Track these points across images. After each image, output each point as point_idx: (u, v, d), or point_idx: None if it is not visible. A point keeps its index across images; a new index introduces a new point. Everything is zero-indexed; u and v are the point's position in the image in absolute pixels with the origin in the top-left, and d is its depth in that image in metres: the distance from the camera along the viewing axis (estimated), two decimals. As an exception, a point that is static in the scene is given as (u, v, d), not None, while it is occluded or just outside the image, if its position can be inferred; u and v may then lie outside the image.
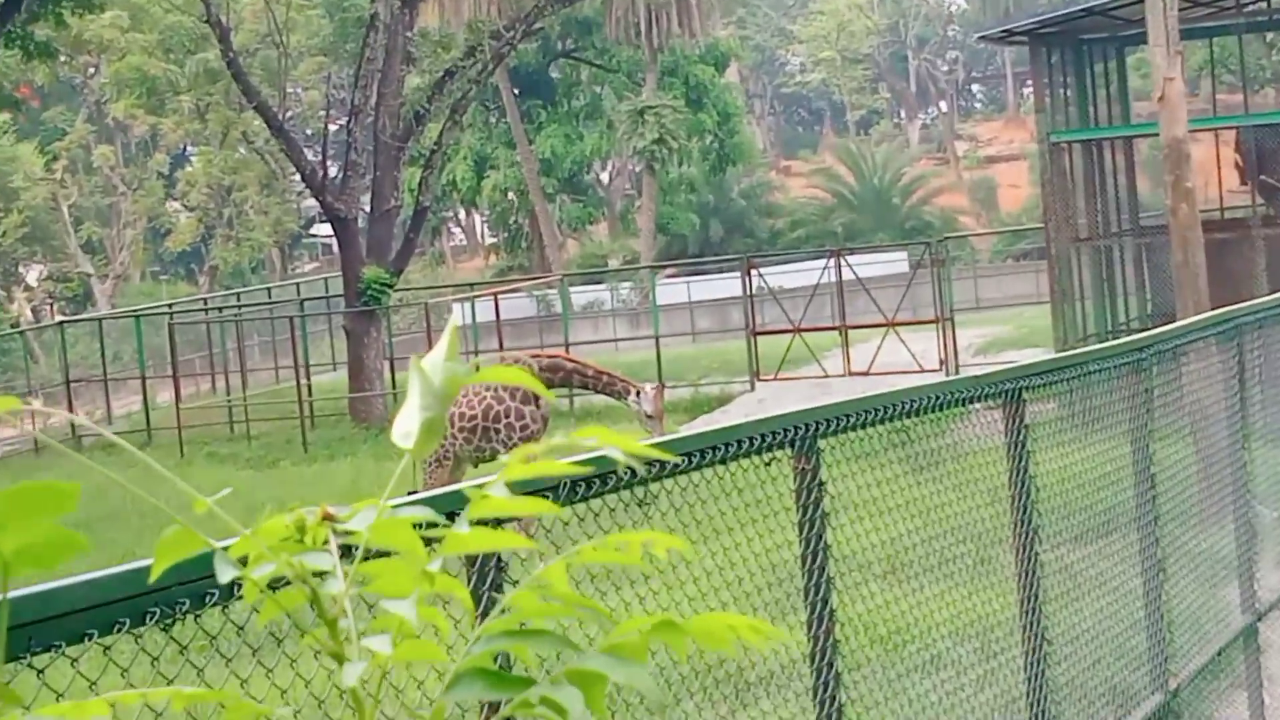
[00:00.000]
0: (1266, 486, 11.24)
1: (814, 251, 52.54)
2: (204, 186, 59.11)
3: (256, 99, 34.95)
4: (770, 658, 8.01)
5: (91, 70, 60.74)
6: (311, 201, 45.72)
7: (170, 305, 46.95)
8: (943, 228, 64.03)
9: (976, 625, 7.61)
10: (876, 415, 6.45)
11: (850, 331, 32.96)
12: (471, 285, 50.42)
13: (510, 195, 64.77)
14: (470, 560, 4.37)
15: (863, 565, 6.77)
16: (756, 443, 5.62)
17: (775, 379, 32.91)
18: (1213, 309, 13.45)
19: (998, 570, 7.70)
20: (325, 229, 63.61)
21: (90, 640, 3.10)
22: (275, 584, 1.62)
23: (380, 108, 34.17)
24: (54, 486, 1.46)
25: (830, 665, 6.06)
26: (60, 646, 3.03)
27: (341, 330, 37.39)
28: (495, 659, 1.64)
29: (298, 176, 41.88)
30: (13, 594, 1.44)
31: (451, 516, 1.67)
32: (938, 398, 6.97)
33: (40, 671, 3.01)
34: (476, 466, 18.47)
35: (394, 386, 33.86)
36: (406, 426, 1.65)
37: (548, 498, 3.36)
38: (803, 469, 6.01)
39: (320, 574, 1.61)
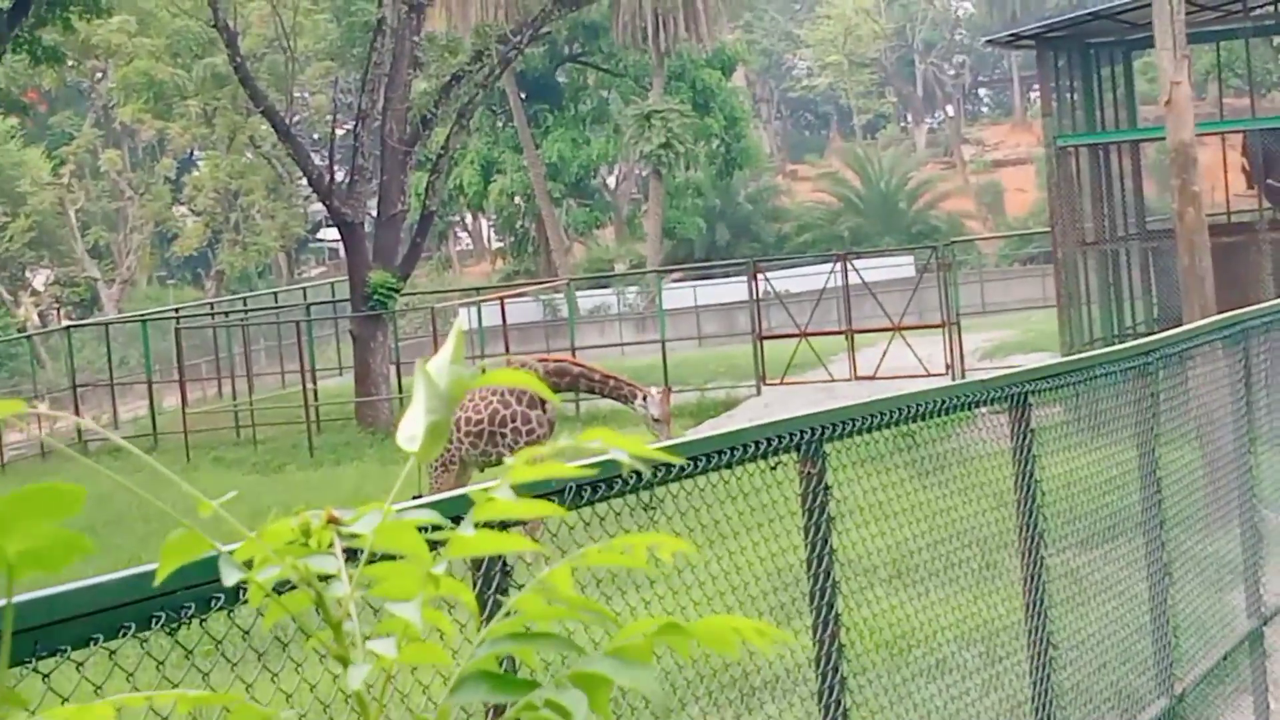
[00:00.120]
0: (1272, 491, 11.23)
1: (820, 256, 52.47)
2: (211, 191, 59.07)
3: (264, 104, 34.97)
4: (775, 662, 8.02)
5: (99, 75, 60.75)
6: (318, 206, 45.80)
7: (177, 310, 46.98)
8: (949, 232, 63.97)
9: (982, 630, 7.61)
10: (882, 419, 6.45)
11: (856, 336, 32.95)
12: (478, 289, 50.42)
13: (517, 200, 64.79)
14: (476, 564, 4.37)
15: (868, 569, 6.78)
16: (762, 447, 5.62)
17: (781, 383, 32.90)
18: (1219, 313, 13.44)
19: (1003, 575, 7.69)
20: (332, 234, 63.67)
21: (95, 644, 3.10)
22: (280, 587, 1.62)
23: (387, 112, 34.19)
24: (59, 489, 1.47)
25: (835, 670, 6.06)
26: (66, 650, 3.03)
27: (348, 335, 37.39)
28: (500, 662, 1.64)
29: (304, 181, 41.90)
30: (18, 598, 1.44)
31: (457, 520, 1.67)
32: (943, 402, 6.96)
33: (46, 676, 3.01)
34: (483, 471, 18.45)
35: (400, 391, 33.87)
36: (411, 430, 1.65)
37: (554, 501, 3.35)
38: (808, 473, 6.01)
39: (325, 577, 1.61)
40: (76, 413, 37.32)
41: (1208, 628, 9.77)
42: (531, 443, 17.95)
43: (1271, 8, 30.24)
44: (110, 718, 1.56)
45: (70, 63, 49.07)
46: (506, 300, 39.14)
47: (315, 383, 36.07)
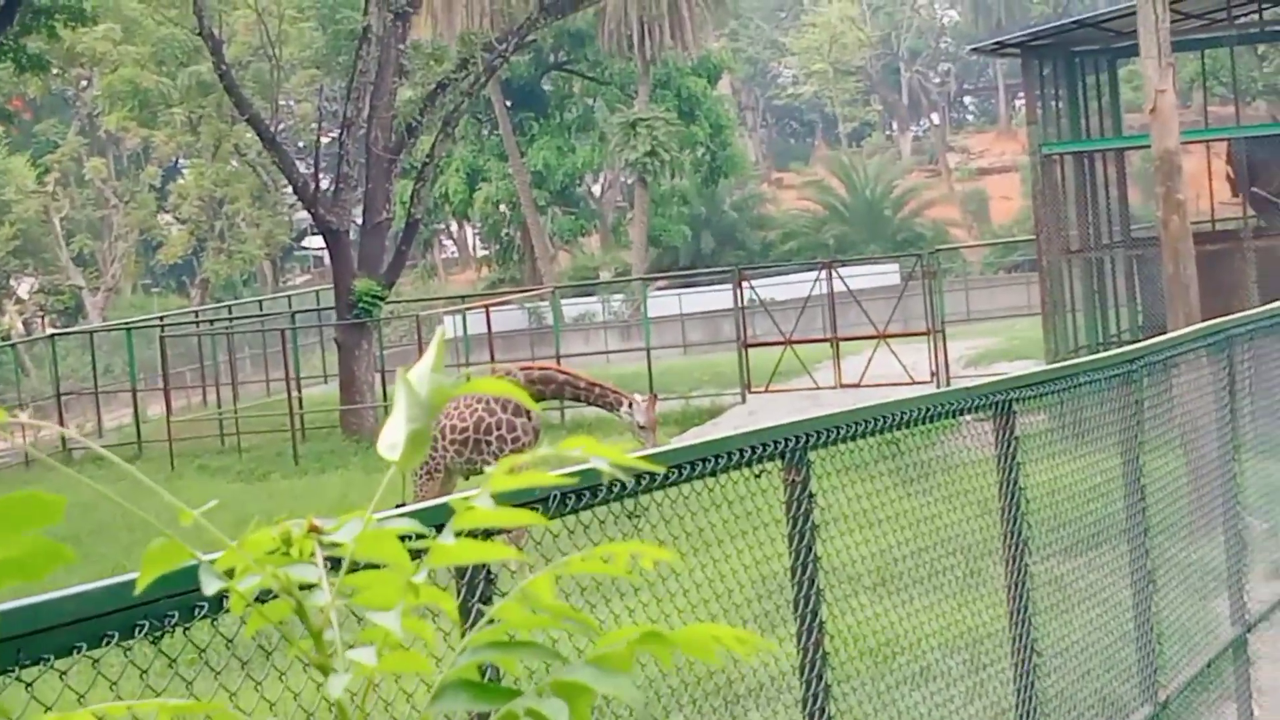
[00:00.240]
0: (1256, 498, 11.25)
1: (805, 264, 52.61)
2: (196, 199, 59.05)
3: (249, 112, 34.94)
4: (760, 670, 8.02)
5: (84, 83, 60.71)
6: (303, 214, 45.73)
7: (161, 318, 46.91)
8: (934, 240, 64.09)
9: (966, 637, 7.61)
10: (867, 427, 6.46)
11: (841, 343, 32.98)
12: (463, 297, 50.42)
13: (502, 207, 64.79)
14: (460, 573, 4.37)
15: (852, 577, 6.78)
16: (747, 455, 5.63)
17: (766, 391, 32.92)
18: (1204, 321, 13.46)
19: (987, 582, 7.70)
20: (317, 241, 63.63)
21: (79, 653, 3.10)
22: (263, 596, 1.63)
23: (372, 120, 34.18)
24: (39, 498, 1.47)
25: (820, 677, 6.07)
26: (49, 659, 3.03)
27: (333, 343, 37.36)
28: (482, 671, 1.65)
29: (290, 189, 41.94)
30: (1, 607, 1.44)
31: (439, 529, 1.67)
32: (928, 409, 6.97)
33: (29, 684, 3.01)
34: (468, 479, 18.43)
35: (385, 399, 33.82)
36: (393, 438, 1.65)
37: (537, 509, 3.35)
38: (793, 481, 6.01)
39: (306, 586, 1.62)
40: (61, 421, 37.28)
41: (1192, 635, 9.79)
42: (516, 451, 17.97)
43: (1256, 16, 30.32)
44: (92, 727, 1.56)
45: (55, 71, 49.07)
46: (492, 308, 39.13)
47: (300, 391, 36.02)
